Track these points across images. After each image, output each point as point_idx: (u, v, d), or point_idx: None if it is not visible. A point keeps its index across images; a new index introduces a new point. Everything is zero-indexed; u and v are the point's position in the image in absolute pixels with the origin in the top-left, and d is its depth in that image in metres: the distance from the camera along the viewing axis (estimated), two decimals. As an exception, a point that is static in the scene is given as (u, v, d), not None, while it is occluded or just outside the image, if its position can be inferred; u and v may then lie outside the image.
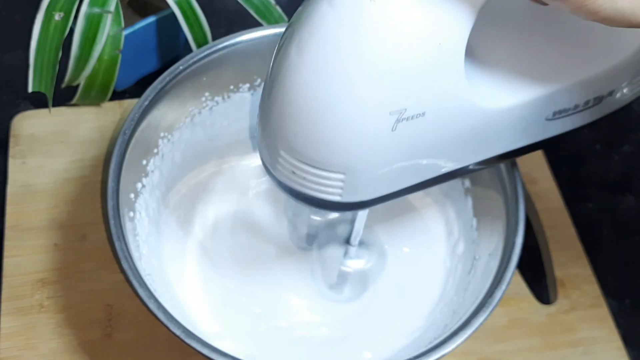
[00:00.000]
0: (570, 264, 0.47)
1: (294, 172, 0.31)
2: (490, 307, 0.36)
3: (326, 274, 0.45)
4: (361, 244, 0.44)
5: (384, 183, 0.32)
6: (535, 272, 0.48)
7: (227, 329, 0.42)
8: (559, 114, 0.34)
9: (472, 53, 0.31)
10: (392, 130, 0.29)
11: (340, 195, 0.32)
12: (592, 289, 0.46)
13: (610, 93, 0.35)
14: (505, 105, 0.32)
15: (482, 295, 0.37)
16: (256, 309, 0.43)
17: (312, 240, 0.46)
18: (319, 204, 0.33)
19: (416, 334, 0.42)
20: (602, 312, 0.46)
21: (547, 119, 0.34)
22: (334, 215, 0.45)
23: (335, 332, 0.43)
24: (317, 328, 0.43)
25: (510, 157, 0.36)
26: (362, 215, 0.40)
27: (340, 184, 0.31)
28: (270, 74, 0.31)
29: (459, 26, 0.28)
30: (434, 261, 0.45)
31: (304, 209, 0.45)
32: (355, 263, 0.45)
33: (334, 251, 0.45)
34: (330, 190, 0.32)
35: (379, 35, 0.27)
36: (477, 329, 0.36)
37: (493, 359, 0.44)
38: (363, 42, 0.27)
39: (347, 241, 0.44)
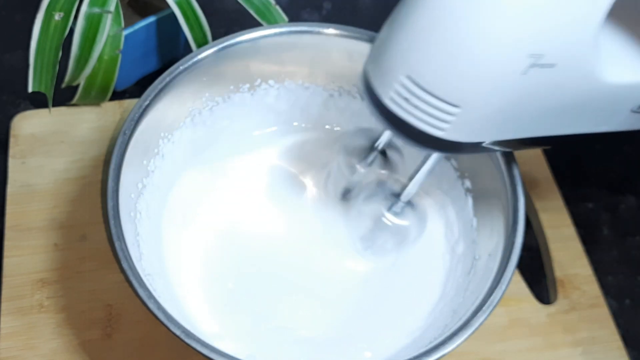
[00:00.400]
0: (570, 264, 0.47)
1: (407, 100, 0.32)
2: (490, 307, 0.36)
3: (360, 225, 0.45)
4: (408, 204, 0.43)
5: (487, 129, 0.33)
6: (535, 272, 0.48)
7: (227, 329, 0.42)
8: None
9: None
10: (523, 73, 0.29)
11: (444, 130, 0.32)
12: (592, 289, 0.47)
13: None
14: (617, 81, 0.33)
15: (482, 295, 0.37)
16: (256, 309, 0.43)
17: (349, 193, 0.46)
18: (417, 138, 0.33)
19: (416, 334, 0.42)
20: (602, 312, 0.46)
21: (633, 111, 0.35)
22: (383, 170, 0.45)
23: (336, 332, 0.43)
24: (318, 328, 0.43)
25: (565, 142, 0.37)
26: (425, 171, 0.40)
27: (451, 118, 0.31)
28: None
29: None
30: (434, 261, 0.45)
31: (356, 158, 0.45)
32: (397, 219, 0.43)
33: (375, 205, 0.44)
34: (438, 123, 0.32)
35: None
36: (477, 329, 0.36)
37: (493, 359, 0.44)
38: None
39: (394, 197, 0.43)
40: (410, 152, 0.42)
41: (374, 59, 0.33)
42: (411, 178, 0.41)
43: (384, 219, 0.43)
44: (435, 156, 0.39)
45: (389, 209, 0.43)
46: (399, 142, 0.44)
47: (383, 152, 0.44)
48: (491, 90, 0.30)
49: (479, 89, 0.30)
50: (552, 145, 0.38)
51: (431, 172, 0.40)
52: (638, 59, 0.34)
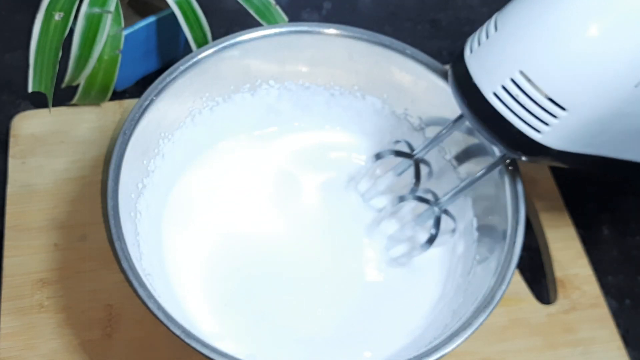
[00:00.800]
0: (570, 264, 0.47)
1: (515, 97, 0.32)
2: (490, 307, 0.36)
3: (389, 226, 0.46)
4: (445, 212, 0.43)
5: (584, 139, 0.33)
6: (535, 272, 0.48)
7: (228, 329, 0.42)
8: None
9: None
10: (636, 86, 0.30)
11: (542, 133, 0.32)
12: (592, 289, 0.46)
13: None
14: None
15: (482, 295, 0.38)
16: (257, 309, 0.43)
17: (375, 195, 0.47)
18: (506, 137, 0.33)
19: (416, 334, 0.42)
20: (602, 312, 0.46)
21: None
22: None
23: (336, 332, 0.43)
24: (318, 328, 0.43)
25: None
26: (470, 181, 0.40)
27: (554, 121, 0.31)
28: None
29: None
30: (433, 261, 0.45)
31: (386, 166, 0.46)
32: (434, 227, 0.43)
33: (405, 210, 0.46)
34: (539, 125, 0.32)
35: None
36: (477, 329, 0.36)
37: (493, 359, 0.44)
38: None
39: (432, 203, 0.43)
40: (439, 168, 0.44)
41: (481, 53, 0.33)
42: (457, 189, 0.41)
43: (411, 226, 0.44)
44: (487, 168, 0.39)
45: (420, 216, 0.44)
46: (431, 158, 0.44)
47: (419, 162, 0.45)
48: (601, 98, 0.30)
49: (590, 94, 0.30)
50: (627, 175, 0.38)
51: (475, 183, 0.40)
52: None
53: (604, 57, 0.30)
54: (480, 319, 0.36)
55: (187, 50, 0.48)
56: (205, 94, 0.45)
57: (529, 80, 0.31)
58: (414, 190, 0.45)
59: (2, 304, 0.44)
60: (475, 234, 0.43)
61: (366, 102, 0.48)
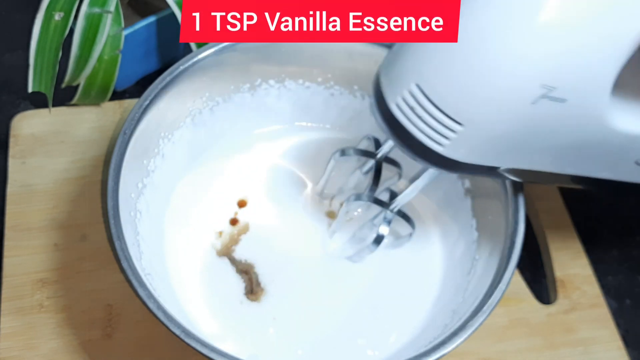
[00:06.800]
0: (570, 264, 0.47)
1: (413, 109, 0.31)
2: (490, 307, 0.36)
3: (348, 229, 0.45)
4: (399, 213, 0.43)
5: (485, 153, 0.32)
6: (535, 272, 0.48)
7: (228, 329, 0.42)
8: None
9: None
10: (532, 103, 0.29)
11: (443, 147, 0.32)
12: (592, 289, 0.47)
13: None
14: (625, 129, 0.32)
15: (482, 295, 0.37)
16: (257, 309, 0.43)
17: (342, 197, 0.46)
18: (415, 149, 0.33)
19: (416, 333, 0.42)
20: (602, 312, 0.46)
21: (637, 163, 0.35)
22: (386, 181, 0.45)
23: (337, 330, 0.43)
24: (319, 327, 0.43)
25: (575, 183, 0.37)
26: (416, 187, 0.40)
27: (452, 135, 0.31)
28: None
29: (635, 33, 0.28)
30: (433, 261, 0.45)
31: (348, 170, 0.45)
32: (383, 228, 0.43)
33: (364, 211, 0.45)
34: (438, 138, 0.31)
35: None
36: (477, 329, 0.36)
37: (493, 359, 0.44)
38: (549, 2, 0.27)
39: (385, 205, 0.43)
40: (408, 165, 0.43)
41: (389, 63, 0.33)
42: (402, 191, 0.41)
43: (369, 226, 0.44)
44: (430, 173, 0.39)
45: (376, 216, 0.43)
46: (399, 155, 0.43)
47: (381, 162, 0.44)
48: (497, 115, 0.30)
49: (485, 110, 0.30)
50: (561, 184, 0.37)
51: (425, 188, 0.40)
52: None
53: (496, 76, 0.29)
54: (480, 319, 0.36)
55: (187, 50, 0.48)
56: (205, 94, 0.45)
57: (424, 93, 0.31)
58: (372, 190, 0.44)
59: (2, 304, 0.44)
60: (475, 234, 0.43)
61: (365, 102, 0.48)
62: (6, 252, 0.46)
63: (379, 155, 0.43)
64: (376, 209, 0.43)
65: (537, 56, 0.28)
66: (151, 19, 0.51)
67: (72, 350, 0.42)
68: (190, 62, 0.43)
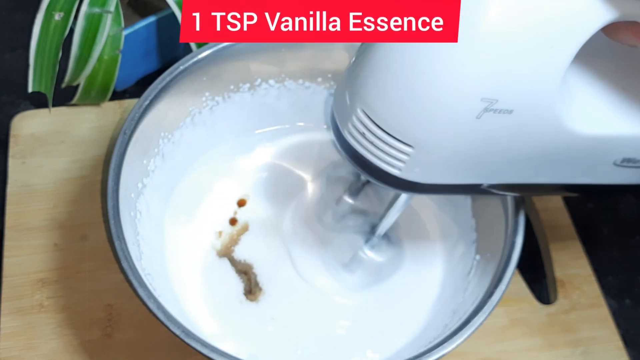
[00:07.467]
0: (570, 264, 0.47)
1: (363, 135, 0.31)
2: (490, 307, 0.36)
3: (342, 254, 0.45)
4: (385, 237, 0.43)
5: (444, 171, 0.32)
6: (535, 272, 0.48)
7: (228, 329, 0.42)
8: (627, 162, 0.34)
9: (566, 79, 0.31)
10: (477, 117, 0.28)
11: (400, 170, 0.31)
12: (592, 289, 0.47)
13: None
14: (588, 133, 0.32)
15: (482, 295, 0.37)
16: (257, 309, 0.43)
17: (338, 220, 0.46)
18: (375, 175, 0.32)
19: (416, 333, 0.42)
20: (602, 312, 0.46)
21: (616, 164, 0.34)
22: (365, 202, 0.45)
23: (337, 331, 0.43)
24: (319, 327, 0.43)
25: (563, 191, 0.36)
26: (397, 208, 0.40)
27: (405, 157, 0.30)
28: None
29: (576, 37, 0.28)
30: (433, 261, 0.45)
31: (341, 188, 0.45)
32: (373, 254, 0.44)
33: (356, 237, 0.45)
34: (393, 162, 0.31)
35: (501, 14, 0.27)
36: (477, 329, 0.36)
37: (493, 359, 0.44)
38: (483, 15, 0.27)
39: (372, 231, 0.44)
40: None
41: (338, 89, 0.32)
42: (382, 216, 0.41)
43: (360, 252, 0.44)
44: (405, 195, 0.38)
45: (367, 241, 0.44)
46: None
47: (367, 184, 0.44)
48: (445, 133, 0.29)
49: (431, 130, 0.29)
50: (556, 193, 0.37)
51: (402, 209, 0.39)
52: (614, 112, 0.33)
53: (435, 95, 0.28)
54: (480, 319, 0.36)
55: (187, 50, 0.48)
56: (205, 93, 0.45)
57: (369, 118, 0.30)
58: (364, 215, 0.44)
59: (2, 304, 0.44)
60: (475, 234, 0.43)
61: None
62: (6, 252, 0.46)
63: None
64: (367, 234, 0.44)
65: (473, 70, 0.28)
66: (151, 19, 0.51)
67: (72, 350, 0.42)
68: (190, 62, 0.43)
